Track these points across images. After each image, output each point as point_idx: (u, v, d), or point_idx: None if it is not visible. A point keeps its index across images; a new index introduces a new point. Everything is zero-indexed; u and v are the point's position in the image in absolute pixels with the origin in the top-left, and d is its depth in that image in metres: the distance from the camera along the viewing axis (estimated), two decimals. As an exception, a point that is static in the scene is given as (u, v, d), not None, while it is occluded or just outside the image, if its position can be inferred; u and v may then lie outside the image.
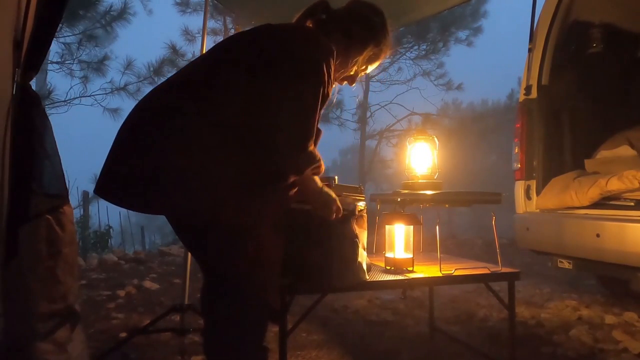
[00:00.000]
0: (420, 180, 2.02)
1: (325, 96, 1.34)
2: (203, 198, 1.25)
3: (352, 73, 1.54)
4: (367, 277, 1.68)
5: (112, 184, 1.29)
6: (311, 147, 1.31)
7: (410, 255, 1.89)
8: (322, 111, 1.39)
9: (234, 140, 1.26)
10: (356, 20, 1.46)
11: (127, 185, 1.26)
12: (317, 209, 1.46)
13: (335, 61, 1.36)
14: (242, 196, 1.27)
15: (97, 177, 1.28)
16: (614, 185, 2.57)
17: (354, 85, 1.59)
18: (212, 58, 1.41)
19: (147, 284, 3.92)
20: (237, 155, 1.26)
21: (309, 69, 1.28)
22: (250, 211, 1.29)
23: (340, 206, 1.48)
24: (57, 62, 7.38)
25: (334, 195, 1.47)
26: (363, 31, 1.46)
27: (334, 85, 1.49)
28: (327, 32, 1.42)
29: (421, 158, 2.05)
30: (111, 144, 1.32)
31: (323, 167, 1.40)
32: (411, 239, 1.90)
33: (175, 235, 1.51)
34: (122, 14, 7.55)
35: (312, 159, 1.33)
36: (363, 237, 1.68)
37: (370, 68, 1.57)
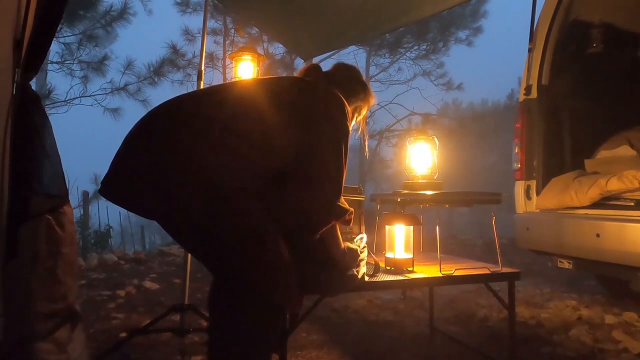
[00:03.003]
0: (420, 180, 2.02)
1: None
2: (211, 198, 1.26)
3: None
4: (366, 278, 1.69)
5: (116, 184, 1.31)
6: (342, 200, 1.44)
7: (410, 256, 1.89)
8: None
9: (243, 159, 1.30)
10: (349, 80, 1.70)
11: (132, 185, 1.28)
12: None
13: None
14: (248, 198, 1.29)
15: (101, 179, 1.31)
16: (614, 185, 2.57)
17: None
18: (241, 87, 1.54)
19: (147, 284, 3.92)
20: (249, 160, 1.30)
21: (343, 132, 1.46)
22: (255, 213, 1.30)
23: (361, 256, 1.67)
24: (57, 62, 7.37)
25: (354, 246, 1.65)
26: (356, 87, 1.71)
27: None
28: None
29: (421, 158, 2.05)
30: (111, 144, 1.33)
31: (352, 218, 1.50)
32: (411, 239, 1.90)
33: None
34: (122, 14, 7.54)
35: (346, 209, 1.45)
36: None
37: (359, 117, 1.79)
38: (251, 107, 1.38)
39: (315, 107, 1.44)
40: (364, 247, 1.73)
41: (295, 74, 1.70)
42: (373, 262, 1.83)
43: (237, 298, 1.36)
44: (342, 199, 1.44)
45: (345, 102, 1.52)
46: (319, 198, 1.37)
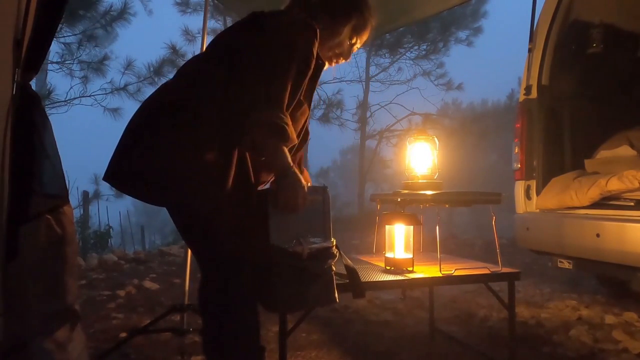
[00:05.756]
0: (420, 180, 2.02)
1: (306, 68, 1.36)
2: (204, 193, 1.31)
3: (345, 48, 1.59)
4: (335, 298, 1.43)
5: (117, 175, 1.39)
6: (282, 112, 1.29)
7: (410, 256, 1.89)
8: (308, 86, 1.42)
9: (232, 137, 1.32)
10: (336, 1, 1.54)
11: (129, 178, 1.37)
12: (281, 190, 1.33)
13: (322, 37, 1.42)
14: (247, 193, 1.35)
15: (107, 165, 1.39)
16: (614, 185, 2.57)
17: (349, 59, 1.64)
18: (205, 54, 1.52)
19: (147, 284, 3.92)
20: (238, 153, 1.33)
21: (280, 39, 1.32)
22: (254, 208, 1.36)
23: (307, 197, 1.35)
24: (57, 62, 7.38)
25: (304, 181, 1.35)
26: (345, 4, 1.54)
27: (330, 65, 1.59)
28: (314, 15, 1.47)
29: (421, 158, 2.05)
30: (112, 143, 1.41)
31: (295, 138, 1.33)
32: (411, 239, 1.90)
33: (175, 235, 1.55)
34: (122, 14, 7.55)
35: (279, 118, 1.27)
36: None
37: (362, 41, 1.61)
38: (202, 78, 1.39)
39: (257, 33, 1.36)
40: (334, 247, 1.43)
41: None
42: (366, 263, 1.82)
43: (227, 296, 1.39)
44: (287, 119, 1.30)
45: (308, 22, 1.39)
46: (251, 101, 1.28)
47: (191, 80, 1.40)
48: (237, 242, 1.35)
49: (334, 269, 1.42)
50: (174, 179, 1.31)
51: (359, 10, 1.54)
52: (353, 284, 1.54)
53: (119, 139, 1.41)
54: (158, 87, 1.50)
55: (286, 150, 1.33)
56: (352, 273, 1.56)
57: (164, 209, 1.46)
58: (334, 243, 1.42)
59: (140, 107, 1.44)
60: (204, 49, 1.54)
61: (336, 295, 1.42)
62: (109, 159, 1.39)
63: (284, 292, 1.35)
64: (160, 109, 1.38)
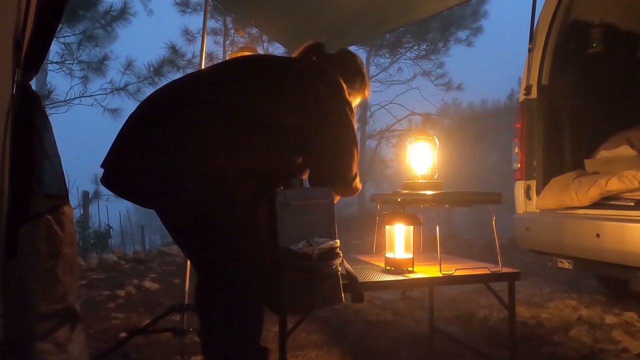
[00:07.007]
0: (420, 180, 2.02)
1: None
2: (212, 193, 1.30)
3: None
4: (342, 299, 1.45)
5: (117, 176, 1.35)
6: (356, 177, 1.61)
7: (410, 256, 1.89)
8: None
9: (245, 138, 1.33)
10: (349, 66, 1.73)
11: (132, 178, 1.32)
12: None
13: None
14: (253, 194, 1.34)
15: (103, 165, 1.35)
16: (614, 185, 2.57)
17: None
18: (235, 66, 1.57)
19: (147, 284, 3.92)
20: (250, 154, 1.33)
21: (346, 109, 1.52)
22: (259, 209, 1.35)
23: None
24: (57, 62, 7.38)
25: None
26: (354, 74, 1.73)
27: None
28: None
29: (421, 158, 2.05)
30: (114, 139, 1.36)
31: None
32: (411, 239, 1.90)
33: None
34: (122, 14, 7.55)
35: (357, 188, 1.65)
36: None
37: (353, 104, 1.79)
38: (251, 86, 1.42)
39: (320, 91, 1.50)
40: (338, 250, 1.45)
41: (296, 51, 1.70)
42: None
43: (217, 292, 1.38)
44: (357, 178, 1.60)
45: (340, 80, 1.56)
46: (343, 186, 1.56)
47: (220, 86, 1.40)
48: (245, 244, 1.34)
49: (339, 269, 1.44)
50: (182, 178, 1.29)
51: (364, 81, 1.75)
52: (352, 289, 1.54)
53: (119, 135, 1.37)
54: (164, 85, 1.48)
55: None
56: (351, 279, 1.57)
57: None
58: (338, 244, 1.43)
59: (147, 103, 1.41)
60: (231, 57, 1.60)
61: (342, 294, 1.44)
62: (107, 152, 1.36)
63: (292, 295, 1.35)
64: (172, 107, 1.36)
